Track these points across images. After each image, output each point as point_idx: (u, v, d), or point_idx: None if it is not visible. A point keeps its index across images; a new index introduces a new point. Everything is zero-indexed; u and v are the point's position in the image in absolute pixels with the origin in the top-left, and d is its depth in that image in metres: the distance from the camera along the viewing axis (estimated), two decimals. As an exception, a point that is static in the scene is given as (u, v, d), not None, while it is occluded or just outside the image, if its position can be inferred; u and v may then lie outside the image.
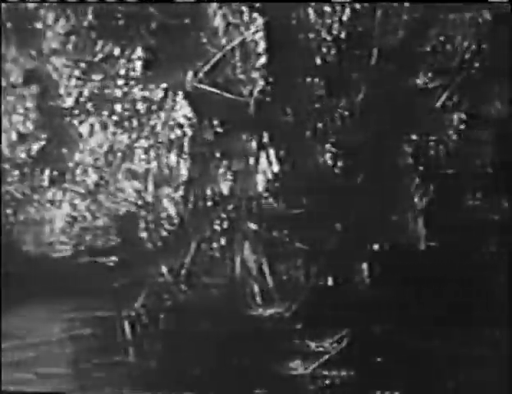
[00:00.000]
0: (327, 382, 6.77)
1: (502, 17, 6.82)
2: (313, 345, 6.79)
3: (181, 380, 6.78)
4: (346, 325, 6.73)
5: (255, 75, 6.89)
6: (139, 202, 7.14)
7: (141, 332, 6.86)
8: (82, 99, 7.04)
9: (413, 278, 6.79)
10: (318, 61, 6.92)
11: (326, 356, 6.72)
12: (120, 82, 7.08)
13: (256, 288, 6.83)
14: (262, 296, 6.84)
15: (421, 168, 6.83)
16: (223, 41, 6.78)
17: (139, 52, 6.99)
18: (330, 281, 6.87)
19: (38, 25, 7.43)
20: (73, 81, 7.09)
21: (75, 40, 6.98)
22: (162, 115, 7.06)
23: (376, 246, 6.87)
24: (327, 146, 6.90)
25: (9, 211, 8.41)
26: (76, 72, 7.07)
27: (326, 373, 6.78)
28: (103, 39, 6.99)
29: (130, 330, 6.80)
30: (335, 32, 6.83)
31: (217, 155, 7.03)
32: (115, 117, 7.11)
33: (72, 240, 7.17)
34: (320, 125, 6.92)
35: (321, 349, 6.78)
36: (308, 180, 7.00)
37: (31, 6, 7.39)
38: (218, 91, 6.73)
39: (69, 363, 7.08)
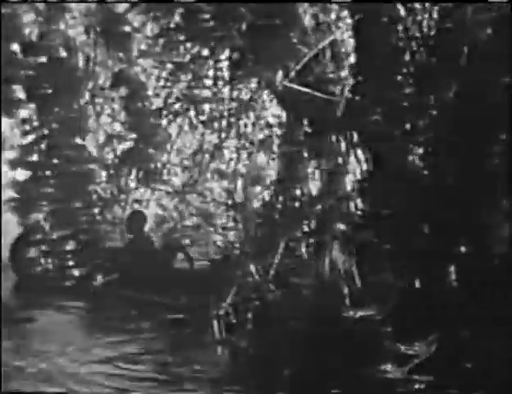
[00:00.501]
0: (417, 386, 6.70)
1: None
2: (402, 348, 6.72)
3: (269, 379, 6.79)
4: (435, 328, 6.64)
5: (345, 74, 6.84)
6: (228, 202, 7.18)
7: (229, 330, 6.90)
8: (170, 100, 7.11)
9: (500, 281, 6.69)
10: (407, 58, 6.86)
11: (417, 360, 6.65)
12: (208, 82, 7.12)
13: (345, 289, 6.80)
14: (351, 298, 6.81)
15: (510, 169, 6.72)
16: (313, 40, 6.73)
17: (227, 52, 7.00)
18: (417, 284, 6.81)
19: (127, 28, 7.55)
20: (161, 82, 7.17)
21: (163, 42, 7.05)
22: (252, 115, 7.08)
23: (463, 248, 6.78)
24: (416, 146, 6.84)
25: (96, 210, 8.59)
26: (164, 74, 7.14)
27: (416, 377, 6.71)
28: (191, 40, 7.05)
29: (218, 329, 6.85)
30: (425, 29, 6.76)
31: (306, 155, 7.02)
32: (203, 118, 7.17)
33: (160, 239, 7.29)
34: (408, 124, 6.86)
35: (411, 352, 6.72)
36: (397, 181, 6.91)
37: (120, 9, 7.52)
38: (309, 90, 6.67)
39: (157, 358, 7.22)
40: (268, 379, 6.71)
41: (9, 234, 9.87)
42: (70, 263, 9.16)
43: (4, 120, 31.60)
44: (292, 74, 6.65)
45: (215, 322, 6.85)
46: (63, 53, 8.51)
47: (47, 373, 6.83)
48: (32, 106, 9.26)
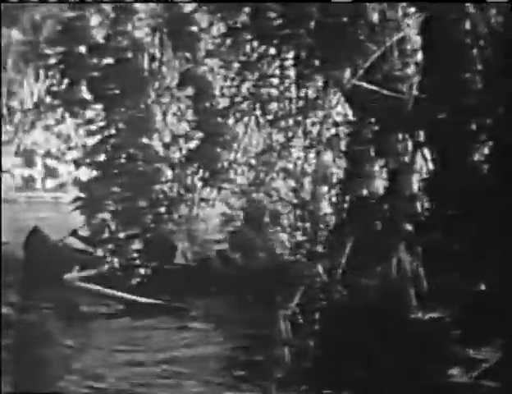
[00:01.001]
0: (484, 391, 6.61)
1: None
2: (471, 352, 6.65)
3: (335, 379, 6.79)
4: (503, 333, 6.56)
5: (412, 71, 6.80)
6: (295, 201, 7.19)
7: (296, 331, 6.92)
8: (237, 99, 7.17)
9: None
10: (475, 55, 6.78)
11: (485, 365, 6.56)
12: (275, 81, 7.16)
13: (412, 290, 6.75)
14: (418, 299, 6.75)
15: None
16: (381, 37, 6.68)
17: (294, 51, 7.02)
18: (485, 286, 6.72)
19: (194, 29, 7.64)
20: (228, 82, 7.23)
21: (230, 41, 7.11)
22: (319, 113, 7.08)
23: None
24: (482, 145, 6.76)
25: (162, 209, 8.70)
26: (231, 73, 7.20)
27: (484, 382, 6.63)
28: (258, 39, 7.08)
29: (285, 329, 6.86)
30: (493, 26, 6.68)
31: (373, 154, 6.98)
32: (270, 117, 7.21)
33: (226, 238, 7.35)
34: (475, 123, 6.78)
35: (479, 357, 6.63)
36: (464, 180, 6.85)
37: (186, 10, 7.62)
38: (376, 88, 6.63)
39: (224, 357, 7.29)
40: (334, 379, 6.72)
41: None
42: (137, 261, 9.31)
43: (69, 120, 32.11)
44: (360, 72, 6.63)
45: (282, 323, 6.87)
46: (130, 54, 8.65)
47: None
48: (98, 106, 9.41)
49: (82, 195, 9.85)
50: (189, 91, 7.77)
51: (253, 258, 7.92)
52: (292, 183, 7.19)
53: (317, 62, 6.99)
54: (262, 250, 7.27)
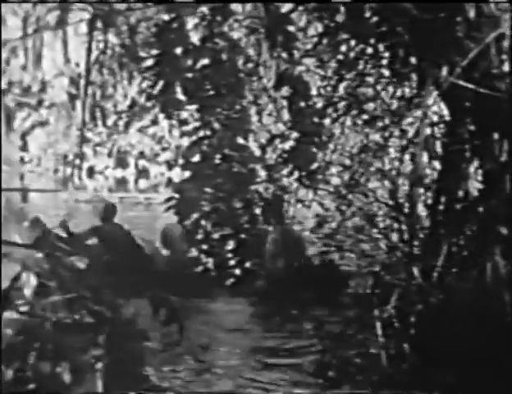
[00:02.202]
0: None
1: None
2: None
3: (431, 384, 6.79)
4: None
5: (510, 69, 6.71)
6: (391, 202, 7.23)
7: (392, 333, 6.95)
8: (334, 99, 7.25)
9: None
10: None
11: None
12: (372, 80, 7.21)
13: (507, 295, 6.69)
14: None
15: None
16: (479, 34, 6.62)
17: (391, 49, 7.07)
18: None
19: (291, 28, 7.79)
20: (324, 81, 7.33)
21: (327, 41, 7.19)
22: (415, 113, 7.11)
23: None
24: None
25: (257, 210, 8.89)
26: (327, 72, 7.29)
27: None
28: (355, 38, 7.16)
29: (381, 331, 6.91)
30: None
31: (469, 154, 6.95)
32: (366, 116, 7.26)
33: (322, 239, 7.44)
34: None
35: None
36: None
37: (284, 10, 7.77)
38: (475, 87, 6.59)
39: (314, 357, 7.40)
40: (431, 385, 6.74)
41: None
42: (231, 262, 9.53)
43: (163, 122, 32.78)
44: (458, 70, 6.61)
45: (378, 325, 6.92)
46: (226, 55, 8.89)
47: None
48: (193, 107, 9.67)
49: (175, 196, 10.11)
50: (286, 91, 7.94)
51: (347, 260, 8.02)
52: (388, 184, 7.25)
53: (413, 61, 7.05)
54: (357, 252, 7.34)
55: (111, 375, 6.41)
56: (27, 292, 8.20)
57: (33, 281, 8.28)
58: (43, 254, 8.31)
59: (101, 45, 35.15)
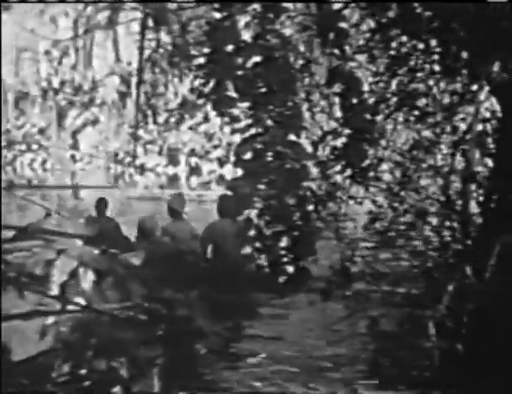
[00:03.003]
0: None
1: None
2: None
3: (484, 385, 6.77)
4: None
5: None
6: (442, 199, 7.26)
7: (445, 334, 6.96)
8: (386, 95, 7.31)
9: None
10: None
11: None
12: (424, 76, 7.25)
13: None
14: None
15: None
16: None
17: (443, 45, 7.10)
18: None
19: (343, 25, 7.88)
20: (377, 77, 7.41)
21: (379, 37, 7.26)
22: (468, 109, 7.14)
23: None
24: None
25: (310, 207, 8.99)
26: (380, 68, 7.36)
27: None
28: (407, 34, 7.21)
29: (434, 331, 6.93)
30: None
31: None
32: (418, 112, 7.31)
33: (374, 237, 7.49)
34: None
35: None
36: None
37: (336, 6, 7.87)
38: None
39: (368, 357, 7.46)
40: (484, 386, 6.73)
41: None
42: (284, 259, 9.65)
43: (214, 119, 33.02)
44: (510, 66, 6.61)
45: (431, 325, 6.93)
46: (278, 52, 9.02)
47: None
48: (245, 104, 9.79)
49: (228, 193, 10.22)
50: (338, 88, 8.02)
51: (399, 259, 8.06)
52: (440, 181, 7.28)
53: (465, 56, 7.08)
54: (408, 251, 7.39)
55: (168, 373, 6.54)
56: (85, 286, 8.44)
57: (90, 276, 8.52)
58: (99, 251, 8.54)
59: (152, 44, 35.57)
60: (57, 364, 6.14)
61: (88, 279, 8.20)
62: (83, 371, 6.22)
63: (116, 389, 6.07)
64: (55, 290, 8.85)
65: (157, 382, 6.37)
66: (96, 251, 8.40)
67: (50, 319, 7.92)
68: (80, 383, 6.05)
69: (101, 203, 12.03)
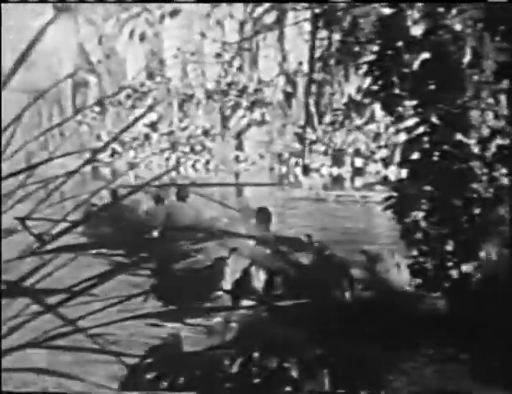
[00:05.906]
0: None
1: None
2: None
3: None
4: None
5: None
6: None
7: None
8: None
9: None
10: None
11: None
12: None
13: None
14: None
15: None
16: None
17: None
18: None
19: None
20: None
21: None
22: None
23: None
24: None
25: (476, 210, 8.82)
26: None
27: None
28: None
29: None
30: None
31: None
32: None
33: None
34: None
35: None
36: None
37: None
38: None
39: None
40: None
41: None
42: (450, 263, 9.49)
43: (380, 118, 33.20)
44: None
45: None
46: (449, 48, 8.88)
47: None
48: (412, 103, 9.69)
49: (394, 194, 10.15)
50: (505, 85, 7.84)
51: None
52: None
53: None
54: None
55: (338, 373, 6.62)
56: (257, 285, 8.62)
57: (261, 275, 8.68)
58: (270, 250, 8.68)
59: (321, 43, 35.74)
60: (227, 360, 6.31)
61: (260, 278, 8.36)
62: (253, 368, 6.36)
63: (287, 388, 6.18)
64: (227, 287, 9.11)
65: (327, 382, 6.46)
66: (268, 250, 8.56)
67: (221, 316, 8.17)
68: (249, 380, 6.19)
69: (263, 213, 11.51)
